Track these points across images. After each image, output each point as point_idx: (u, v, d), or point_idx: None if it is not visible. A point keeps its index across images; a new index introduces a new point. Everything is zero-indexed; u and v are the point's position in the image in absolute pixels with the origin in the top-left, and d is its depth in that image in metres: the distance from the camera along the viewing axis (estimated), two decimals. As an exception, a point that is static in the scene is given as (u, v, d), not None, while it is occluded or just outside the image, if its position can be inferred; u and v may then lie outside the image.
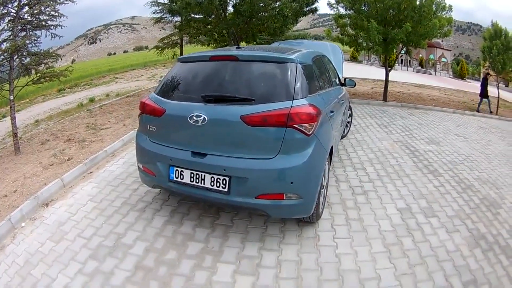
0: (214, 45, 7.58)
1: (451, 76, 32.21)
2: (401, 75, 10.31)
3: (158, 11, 8.22)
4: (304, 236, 2.19)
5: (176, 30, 8.20)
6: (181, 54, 8.63)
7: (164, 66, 19.24)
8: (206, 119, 1.89)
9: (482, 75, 9.43)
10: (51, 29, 4.56)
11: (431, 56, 34.92)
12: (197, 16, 7.12)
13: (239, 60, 2.10)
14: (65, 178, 2.98)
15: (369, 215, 2.56)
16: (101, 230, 2.24)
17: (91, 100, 9.21)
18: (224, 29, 7.00)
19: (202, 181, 1.94)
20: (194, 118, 1.91)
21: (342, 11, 8.35)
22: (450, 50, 39.76)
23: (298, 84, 1.95)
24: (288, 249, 2.04)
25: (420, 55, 33.89)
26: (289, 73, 1.99)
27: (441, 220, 2.64)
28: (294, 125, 1.81)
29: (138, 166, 2.33)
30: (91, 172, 3.20)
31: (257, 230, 2.22)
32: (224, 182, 1.88)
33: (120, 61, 33.47)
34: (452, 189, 3.28)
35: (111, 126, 4.87)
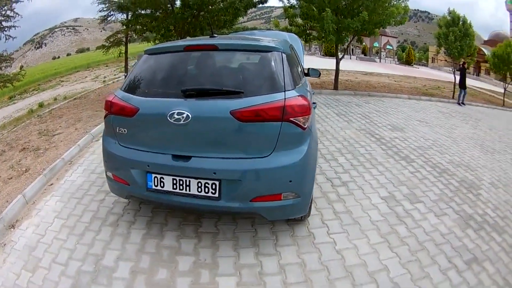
0: (159, 41, 7.80)
1: (397, 62, 36.57)
2: (345, 64, 11.28)
3: (105, 8, 8.36)
4: (298, 235, 2.16)
5: (123, 27, 8.41)
6: (126, 52, 9.16)
7: (107, 66, 20.22)
8: (190, 116, 1.78)
9: (459, 66, 10.82)
10: (5, 30, 4.21)
11: (376, 44, 38.54)
12: (144, 12, 7.32)
13: (219, 50, 2.05)
14: (27, 194, 2.89)
15: (356, 207, 2.67)
16: (76, 253, 2.11)
17: (40, 105, 9.60)
18: (172, 24, 7.13)
19: (187, 188, 1.85)
20: (175, 116, 1.79)
21: (293, 1, 8.90)
22: (396, 37, 44.83)
23: (287, 75, 1.95)
24: (286, 252, 1.98)
25: (364, 43, 37.18)
26: (275, 63, 1.97)
27: (427, 205, 2.90)
28: (290, 119, 1.78)
29: (106, 175, 2.21)
30: (51, 184, 3.14)
31: (247, 234, 2.12)
32: (213, 187, 1.81)
33: (64, 64, 35.90)
34: (428, 174, 3.65)
35: (63, 131, 4.93)
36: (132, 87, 2.11)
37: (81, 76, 18.90)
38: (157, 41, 8.08)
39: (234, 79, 2.02)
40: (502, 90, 14.13)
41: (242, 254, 1.98)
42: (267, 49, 2.01)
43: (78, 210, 2.59)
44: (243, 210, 1.84)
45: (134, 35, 9.03)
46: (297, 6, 8.72)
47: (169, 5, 7.14)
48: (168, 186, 1.88)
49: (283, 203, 1.83)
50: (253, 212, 1.88)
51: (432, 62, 39.85)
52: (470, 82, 12.22)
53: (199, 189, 1.82)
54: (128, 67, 9.75)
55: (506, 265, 2.22)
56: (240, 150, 1.80)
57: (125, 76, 9.23)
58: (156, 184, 1.91)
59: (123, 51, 9.22)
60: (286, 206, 1.85)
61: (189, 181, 1.83)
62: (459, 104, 9.87)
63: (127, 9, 7.39)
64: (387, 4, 7.86)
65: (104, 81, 13.48)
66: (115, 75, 15.79)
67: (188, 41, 2.41)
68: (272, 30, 9.68)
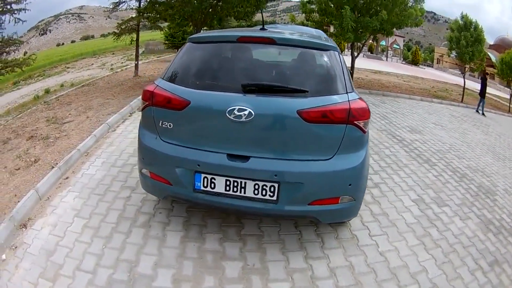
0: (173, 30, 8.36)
1: (403, 62, 37.54)
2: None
3: None
4: (343, 238, 2.40)
5: (134, 15, 8.71)
6: (138, 39, 9.34)
7: (113, 53, 21.26)
8: (253, 113, 1.79)
9: (481, 75, 11.37)
10: (15, 13, 4.24)
11: (383, 42, 39.63)
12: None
13: (276, 44, 2.07)
14: (40, 188, 2.78)
15: (391, 209, 2.95)
16: (104, 259, 2.02)
17: (47, 91, 9.96)
18: (189, 13, 7.34)
19: (242, 190, 1.86)
20: (235, 112, 1.79)
21: None
22: (403, 37, 46.11)
23: (347, 76, 2.01)
24: (334, 255, 2.20)
25: (370, 41, 38.37)
26: (336, 62, 2.04)
27: (452, 208, 3.24)
28: (354, 122, 1.85)
29: (141, 172, 2.19)
30: (67, 178, 3.07)
31: (292, 237, 2.31)
32: (272, 190, 1.83)
33: (69, 51, 37.02)
34: (450, 178, 4.03)
35: (73, 119, 4.93)
36: (178, 77, 2.07)
37: (87, 63, 19.54)
38: (170, 30, 8.30)
39: (296, 77, 2.01)
40: (506, 96, 14.89)
41: (291, 257, 2.10)
42: (326, 48, 2.06)
43: (101, 209, 2.53)
44: (300, 213, 1.91)
45: (147, 23, 9.26)
46: (314, 1, 9.04)
47: None
48: (220, 188, 1.88)
49: (340, 207, 1.92)
50: (309, 216, 1.96)
51: (437, 63, 41.13)
52: (475, 86, 12.79)
53: (256, 192, 1.84)
54: (138, 54, 9.98)
55: None
56: (303, 152, 1.84)
57: (136, 65, 9.58)
58: (205, 185, 1.90)
59: (135, 39, 9.50)
60: (342, 210, 1.96)
61: (245, 182, 1.84)
62: (477, 112, 10.43)
63: None
64: (404, 5, 8.30)
65: (112, 69, 13.66)
66: (122, 63, 16.05)
67: (239, 31, 2.41)
68: (289, 24, 9.98)
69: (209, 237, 2.24)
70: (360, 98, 1.97)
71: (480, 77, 11.39)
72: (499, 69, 14.56)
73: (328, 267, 2.08)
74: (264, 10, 8.69)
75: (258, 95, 1.87)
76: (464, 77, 12.41)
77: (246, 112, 1.79)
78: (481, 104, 10.56)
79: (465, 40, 11.29)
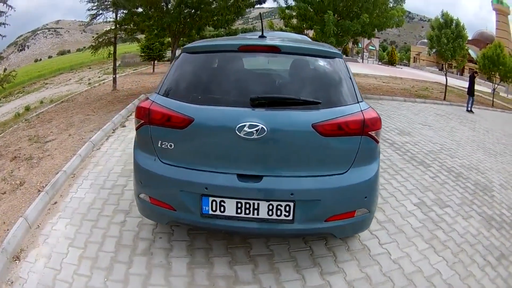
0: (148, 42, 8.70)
1: (379, 63, 39.31)
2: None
3: (94, 7, 8.48)
4: (354, 249, 2.44)
5: (112, 27, 8.91)
6: (115, 52, 9.49)
7: (90, 68, 22.91)
8: (265, 129, 1.74)
9: (470, 73, 12.20)
10: None
11: (359, 45, 41.50)
12: (139, 10, 7.80)
13: (281, 52, 2.01)
14: (29, 216, 2.70)
15: (395, 215, 3.06)
16: None
17: (27, 108, 10.26)
18: (168, 23, 7.49)
19: (255, 211, 1.82)
20: (246, 129, 1.74)
21: (291, 2, 9.91)
22: (379, 38, 48.38)
23: (355, 84, 2.00)
24: (349, 268, 2.24)
25: (345, 44, 40.38)
26: (343, 70, 2.04)
27: (454, 209, 3.39)
28: (369, 132, 1.86)
29: (138, 197, 2.11)
30: (55, 203, 3.02)
31: (303, 254, 2.33)
32: (287, 209, 1.80)
33: (47, 66, 39.16)
34: (446, 178, 4.23)
35: (55, 137, 4.97)
36: (176, 92, 1.99)
37: (65, 78, 20.66)
38: (148, 41, 8.70)
39: (306, 87, 1.99)
40: (486, 89, 15.77)
41: (306, 275, 2.12)
42: (332, 55, 2.07)
43: (96, 236, 2.47)
44: (316, 231, 1.92)
45: (123, 35, 9.42)
46: (294, 7, 9.45)
47: (163, 4, 7.51)
48: (230, 211, 1.83)
49: (355, 220, 1.92)
50: (325, 233, 1.97)
51: (414, 61, 43.29)
52: (454, 82, 13.54)
53: (270, 213, 1.80)
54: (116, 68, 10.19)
55: None
56: (318, 167, 1.84)
57: (114, 78, 9.86)
58: (214, 208, 1.84)
59: (112, 52, 9.58)
60: (357, 223, 1.97)
61: (258, 204, 1.80)
62: (468, 111, 10.99)
63: (123, 6, 7.54)
64: (385, 7, 8.84)
65: (89, 83, 14.11)
66: (99, 77, 16.65)
67: (238, 40, 2.37)
68: (269, 31, 10.43)
69: (217, 261, 2.21)
70: (370, 108, 1.97)
71: (469, 76, 12.04)
72: (481, 64, 15.49)
73: (345, 281, 2.11)
74: (241, 17, 8.97)
75: (268, 109, 1.82)
76: (446, 75, 13.14)
77: (258, 128, 1.73)
78: (470, 102, 11.22)
79: (446, 37, 12.01)
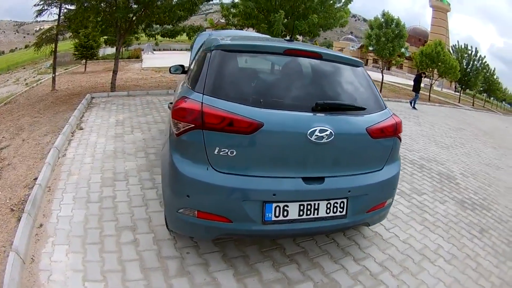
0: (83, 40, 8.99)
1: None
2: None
3: (41, 2, 8.53)
4: (368, 236, 3.02)
5: (57, 22, 9.07)
6: (56, 50, 9.72)
7: (24, 68, 22.84)
8: (333, 134, 2.04)
9: (416, 73, 14.73)
10: None
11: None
12: (86, 5, 8.00)
13: (322, 59, 2.37)
14: (19, 248, 2.38)
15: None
16: None
17: None
18: (119, 18, 7.82)
19: (315, 212, 2.11)
20: (317, 134, 2.01)
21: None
22: (300, 36, 53.05)
23: (378, 91, 2.52)
24: (373, 252, 2.78)
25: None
26: (368, 78, 2.50)
27: (430, 195, 4.33)
28: (398, 134, 2.41)
29: (177, 213, 2.12)
30: (41, 226, 2.80)
31: (331, 246, 2.79)
32: (341, 206, 2.16)
33: None
34: (412, 170, 5.30)
35: (8, 143, 4.95)
36: (228, 93, 2.08)
37: (2, 79, 21.43)
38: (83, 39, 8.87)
39: (350, 94, 2.36)
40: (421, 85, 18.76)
41: (344, 264, 2.56)
42: (360, 64, 2.53)
43: (111, 263, 2.35)
44: (359, 222, 2.33)
45: (68, 32, 9.63)
46: (238, 5, 10.28)
47: None
48: (293, 214, 2.05)
49: (384, 209, 2.47)
50: (364, 223, 2.39)
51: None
52: (383, 77, 15.77)
53: (328, 211, 2.11)
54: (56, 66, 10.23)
55: (502, 230, 3.78)
56: (366, 165, 2.27)
57: (54, 78, 10.02)
58: (277, 214, 2.02)
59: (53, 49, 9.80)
60: (385, 210, 2.51)
61: (318, 204, 2.08)
62: (413, 107, 13.17)
63: (72, 1, 7.72)
64: (333, 8, 10.13)
65: (27, 84, 14.77)
66: (34, 77, 17.58)
67: (277, 42, 2.61)
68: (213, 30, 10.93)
69: (261, 267, 2.43)
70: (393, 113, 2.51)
71: (415, 75, 14.24)
72: (418, 61, 18.29)
73: (377, 263, 2.65)
74: (195, 14, 9.35)
75: (328, 114, 2.12)
76: (382, 72, 15.37)
77: (327, 133, 2.02)
78: (415, 99, 13.45)
79: (386, 36, 14.04)
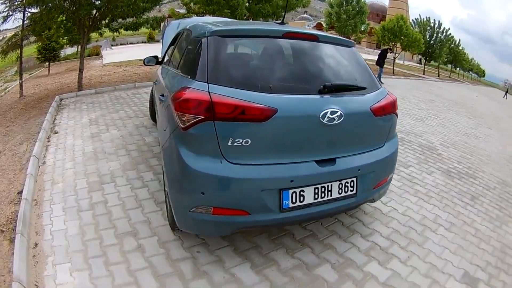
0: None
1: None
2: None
3: (6, 9, 8.43)
4: (369, 212, 3.19)
5: (22, 27, 9.11)
6: (21, 56, 9.84)
7: None
8: (343, 115, 2.13)
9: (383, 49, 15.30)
10: None
11: None
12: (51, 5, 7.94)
13: (318, 41, 2.45)
14: (20, 277, 2.21)
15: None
16: None
17: None
18: (84, 15, 7.85)
19: (329, 193, 2.20)
20: (329, 115, 2.09)
21: None
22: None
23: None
24: (378, 227, 2.96)
25: None
26: (361, 58, 2.63)
27: (416, 167, 4.64)
28: (395, 111, 2.57)
29: (190, 212, 2.09)
30: (36, 245, 2.63)
31: (337, 226, 2.92)
32: (352, 185, 2.28)
33: None
34: None
35: None
36: (233, 80, 2.09)
37: None
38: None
39: (349, 74, 2.48)
40: (374, 58, 19.42)
41: (354, 242, 2.71)
42: (351, 44, 2.65)
43: (122, 276, 2.28)
44: (367, 199, 2.45)
45: (31, 35, 9.66)
46: None
47: None
48: (308, 199, 2.13)
49: (387, 184, 2.64)
50: (371, 199, 2.52)
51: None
52: None
53: (340, 191, 2.22)
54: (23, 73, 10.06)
55: (492, 196, 4.16)
56: (370, 143, 2.41)
57: (21, 84, 10.05)
58: (294, 200, 2.08)
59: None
60: (387, 186, 2.66)
61: (331, 185, 2.18)
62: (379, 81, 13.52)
63: (43, 2, 7.56)
64: None
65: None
66: (0, 86, 17.25)
67: (270, 25, 2.63)
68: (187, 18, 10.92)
69: (276, 256, 2.50)
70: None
71: (381, 50, 14.68)
72: (380, 36, 18.94)
73: (384, 237, 2.82)
74: (160, 3, 9.27)
75: (335, 95, 2.22)
76: None
77: (338, 114, 2.11)
78: (380, 73, 13.99)
79: (346, 14, 14.43)
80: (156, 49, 8.90)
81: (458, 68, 40.98)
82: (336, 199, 2.24)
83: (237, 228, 2.14)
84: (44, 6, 7.65)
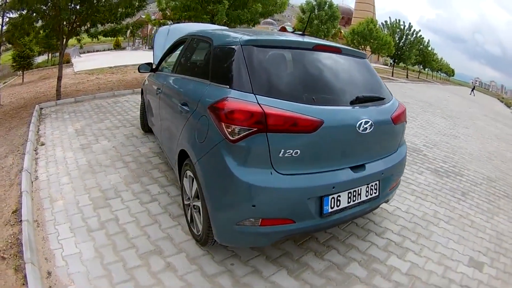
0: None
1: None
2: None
3: None
4: (377, 212, 3.62)
5: (12, 27, 8.94)
6: None
7: None
8: (373, 124, 2.44)
9: None
10: None
11: None
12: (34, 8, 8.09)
13: (341, 53, 2.75)
14: None
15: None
16: None
17: None
18: (65, 19, 8.13)
19: (359, 196, 2.50)
20: (363, 125, 2.39)
21: None
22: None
23: None
24: (389, 225, 3.40)
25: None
26: (373, 68, 2.97)
27: (407, 168, 5.19)
28: (406, 120, 2.96)
29: (236, 225, 2.21)
30: (49, 274, 2.46)
31: (352, 227, 3.30)
32: (375, 187, 2.61)
33: None
34: None
35: None
36: (278, 91, 2.25)
37: None
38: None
39: (372, 85, 2.81)
40: None
41: (372, 241, 3.09)
42: (364, 56, 2.97)
43: None
44: (385, 200, 2.81)
45: (8, 43, 9.68)
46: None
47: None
48: (343, 203, 2.38)
49: (398, 185, 3.03)
50: (387, 199, 2.90)
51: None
52: None
53: (367, 194, 2.53)
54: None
55: (480, 192, 4.80)
56: (388, 149, 2.76)
57: None
58: (333, 205, 2.32)
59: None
60: (398, 187, 3.06)
61: (360, 189, 2.48)
62: None
63: (27, 6, 7.73)
64: None
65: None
66: None
67: (298, 37, 2.84)
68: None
69: (307, 260, 2.76)
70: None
71: None
72: (349, 39, 19.98)
73: (396, 234, 3.26)
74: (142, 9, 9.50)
75: (363, 106, 2.55)
76: None
77: (369, 124, 2.41)
78: None
79: (319, 19, 15.26)
80: (124, 56, 9.16)
81: (426, 69, 43.35)
82: (364, 202, 2.56)
83: (281, 236, 2.31)
84: (27, 10, 7.73)
